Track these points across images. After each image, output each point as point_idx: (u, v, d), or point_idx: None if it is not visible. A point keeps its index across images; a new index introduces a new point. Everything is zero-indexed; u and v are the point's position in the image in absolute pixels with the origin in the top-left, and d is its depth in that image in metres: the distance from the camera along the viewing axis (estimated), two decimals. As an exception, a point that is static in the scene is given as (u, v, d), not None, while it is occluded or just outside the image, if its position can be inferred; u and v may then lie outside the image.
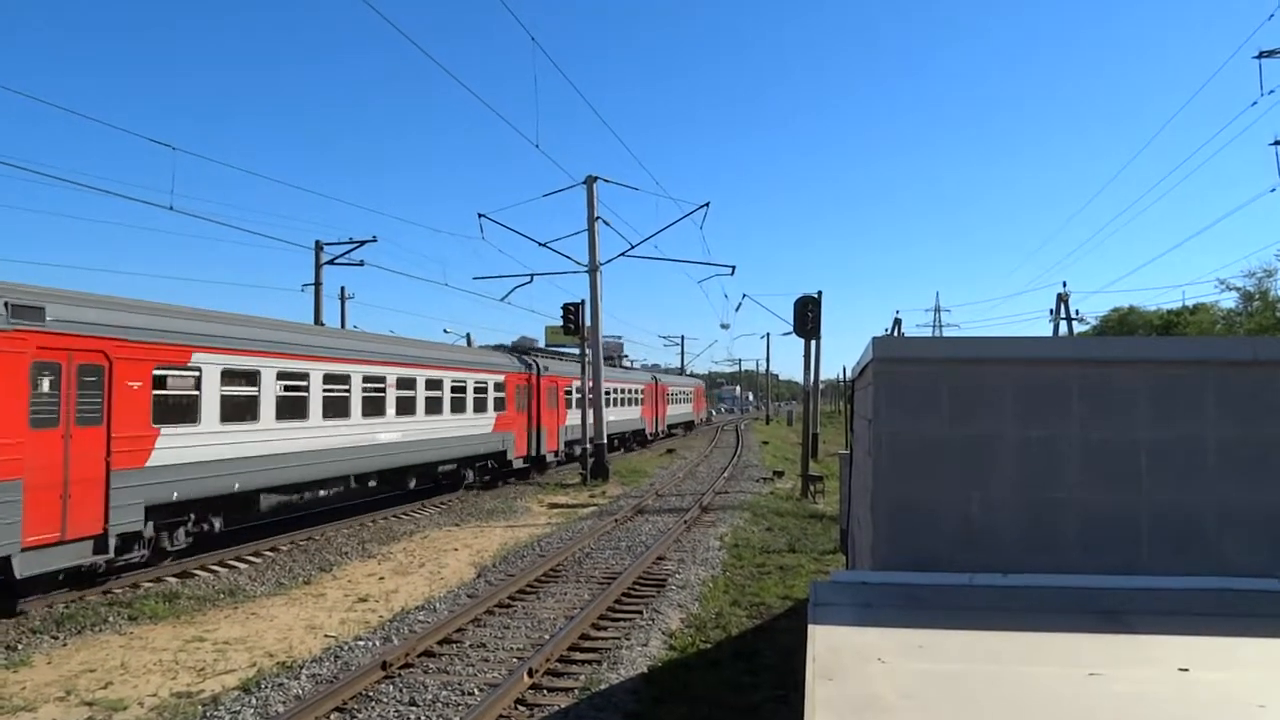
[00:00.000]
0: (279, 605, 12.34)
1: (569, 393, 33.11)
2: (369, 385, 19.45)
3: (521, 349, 33.08)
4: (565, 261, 31.20)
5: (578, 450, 30.67)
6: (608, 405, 32.11)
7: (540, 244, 30.73)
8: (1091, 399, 5.47)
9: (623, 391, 42.80)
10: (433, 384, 22.62)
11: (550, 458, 31.44)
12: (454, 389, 23.89)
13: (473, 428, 25.19)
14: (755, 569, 14.52)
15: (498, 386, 27.03)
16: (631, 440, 45.16)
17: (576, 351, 33.20)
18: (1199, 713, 3.23)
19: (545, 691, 8.48)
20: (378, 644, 10.09)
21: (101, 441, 12.18)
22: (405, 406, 21.10)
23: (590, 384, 30.25)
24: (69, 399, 11.71)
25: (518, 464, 28.57)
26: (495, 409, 26.78)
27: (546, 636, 10.17)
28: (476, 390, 25.55)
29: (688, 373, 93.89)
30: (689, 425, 66.51)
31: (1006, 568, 5.36)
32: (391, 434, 20.44)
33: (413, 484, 22.40)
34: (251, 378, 15.50)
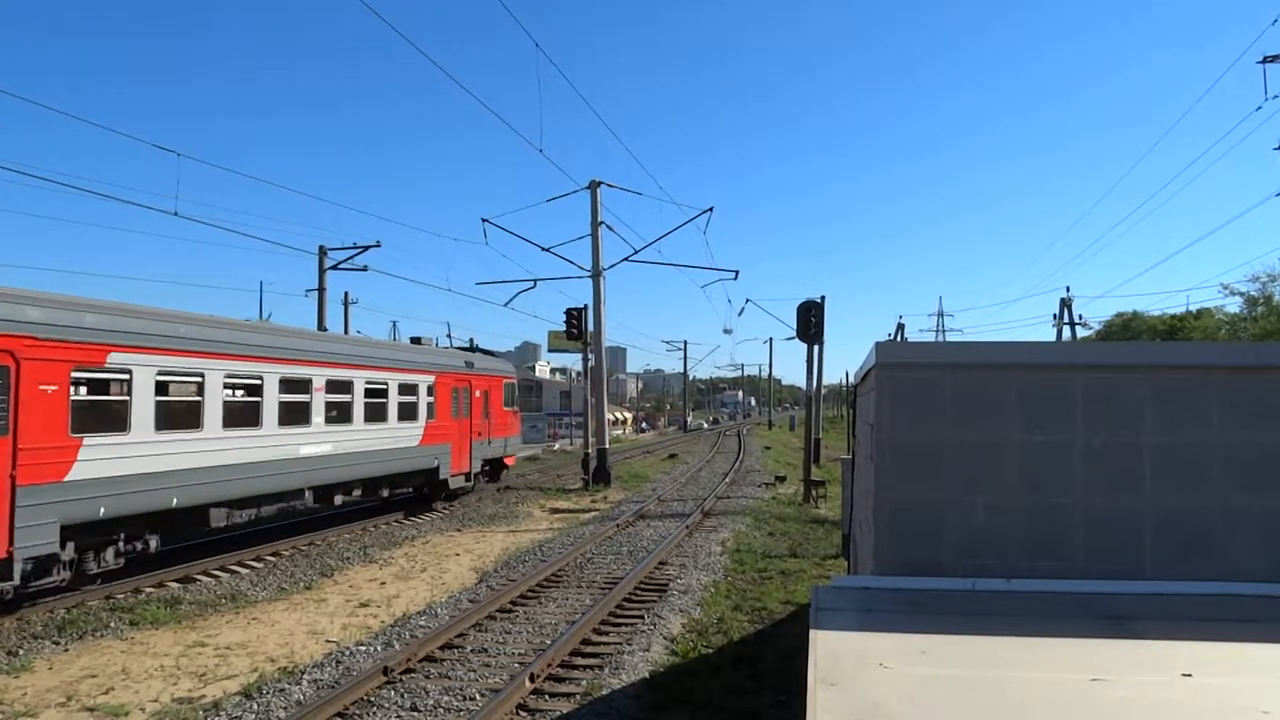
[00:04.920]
0: (280, 610, 12.34)
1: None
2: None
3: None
4: (568, 266, 31.40)
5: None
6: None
7: (543, 249, 30.83)
8: (1095, 404, 5.46)
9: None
10: None
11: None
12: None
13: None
14: (757, 574, 14.50)
15: None
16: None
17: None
18: (1203, 718, 3.22)
19: (547, 697, 8.46)
20: (379, 649, 10.07)
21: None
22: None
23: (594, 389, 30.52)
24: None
25: None
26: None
27: (548, 641, 10.15)
28: None
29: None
30: (432, 482, 22.59)
31: (1010, 573, 5.34)
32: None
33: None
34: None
